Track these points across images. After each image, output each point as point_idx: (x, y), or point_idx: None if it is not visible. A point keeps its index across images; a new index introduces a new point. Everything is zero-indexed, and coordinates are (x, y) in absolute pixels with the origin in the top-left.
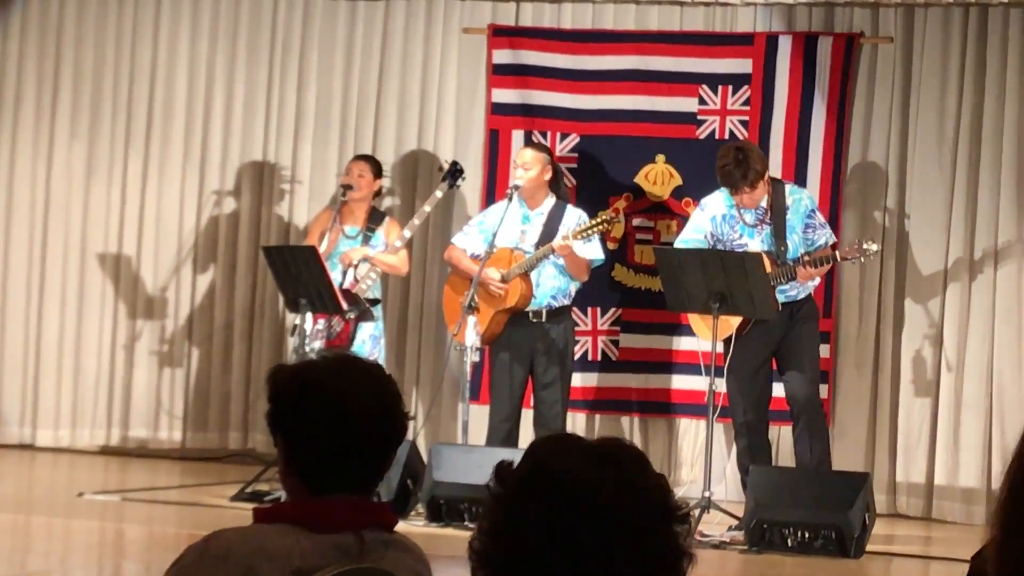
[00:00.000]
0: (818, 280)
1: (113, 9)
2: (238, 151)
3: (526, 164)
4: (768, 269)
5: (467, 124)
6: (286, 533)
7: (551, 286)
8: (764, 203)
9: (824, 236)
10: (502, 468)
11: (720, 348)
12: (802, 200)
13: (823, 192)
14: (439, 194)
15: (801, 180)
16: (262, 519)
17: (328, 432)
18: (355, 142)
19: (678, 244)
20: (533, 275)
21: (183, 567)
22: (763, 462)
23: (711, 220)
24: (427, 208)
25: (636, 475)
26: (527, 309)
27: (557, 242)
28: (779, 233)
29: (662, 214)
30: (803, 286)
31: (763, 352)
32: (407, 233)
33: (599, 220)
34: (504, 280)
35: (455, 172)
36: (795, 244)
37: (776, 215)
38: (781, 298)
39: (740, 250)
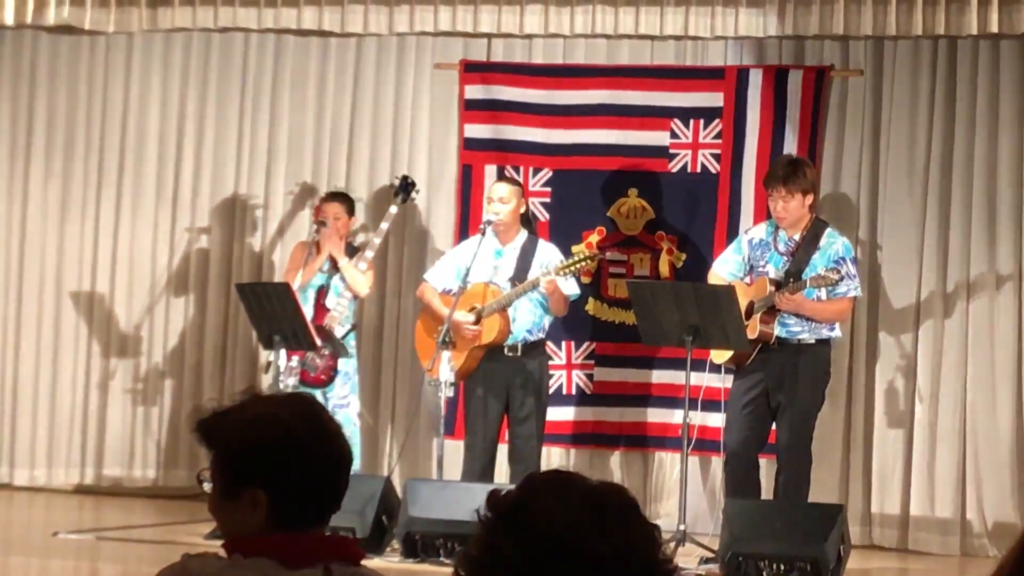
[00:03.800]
0: (836, 329)
1: (85, 49)
2: (210, 187)
3: (503, 198)
4: (765, 293)
5: (440, 159)
6: (259, 568)
7: (527, 320)
8: (798, 236)
9: (846, 286)
10: (493, 496)
11: (702, 381)
12: (834, 244)
13: None
14: (394, 210)
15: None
16: (239, 551)
17: (317, 476)
18: (328, 178)
19: (716, 264)
20: (509, 310)
21: None
22: (745, 497)
23: (748, 243)
24: (385, 226)
25: (620, 524)
26: (505, 343)
27: (546, 278)
28: (797, 266)
29: (635, 248)
30: (808, 325)
31: (755, 389)
32: (368, 254)
33: (583, 257)
34: (478, 318)
35: (407, 186)
36: (811, 288)
37: (803, 249)
38: (781, 331)
39: (759, 276)
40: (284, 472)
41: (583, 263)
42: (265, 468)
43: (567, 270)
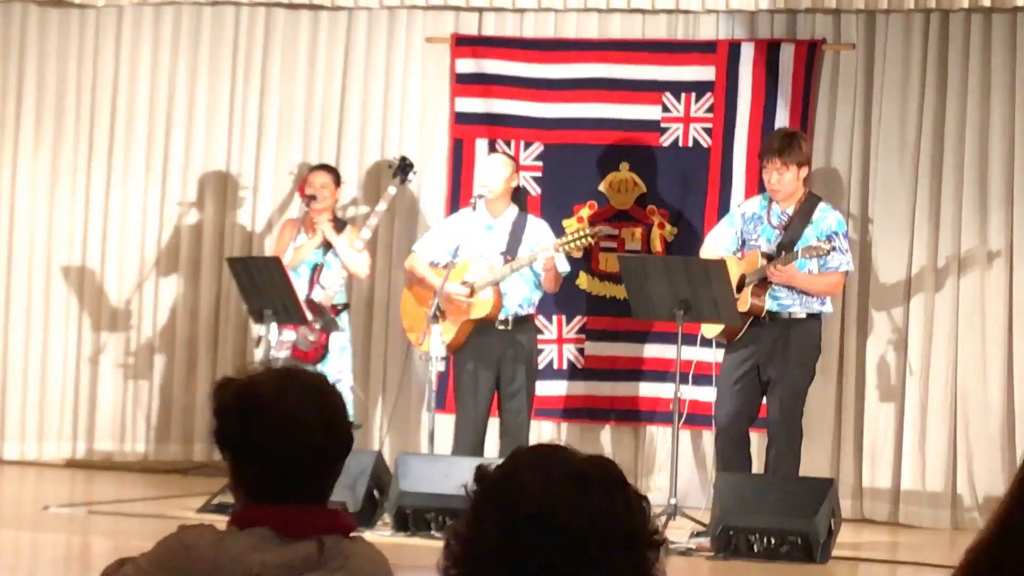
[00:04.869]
0: (827, 304)
1: (75, 21)
2: (200, 161)
3: (496, 171)
4: (757, 265)
5: (431, 133)
6: (254, 539)
7: (519, 295)
8: (791, 210)
9: (838, 260)
10: (479, 470)
11: (693, 355)
12: (827, 219)
13: None
14: (392, 191)
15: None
16: (236, 523)
17: (271, 450)
18: (318, 151)
19: (709, 239)
20: (502, 284)
21: (154, 548)
22: (736, 471)
23: (742, 216)
24: (382, 206)
25: (601, 499)
26: (495, 318)
27: (545, 254)
28: (789, 238)
29: (626, 222)
30: (799, 299)
31: (746, 363)
32: (366, 233)
33: (584, 234)
34: (473, 291)
35: (405, 167)
36: (803, 259)
37: (796, 223)
38: (772, 305)
39: (751, 249)
40: (244, 442)
41: (584, 239)
42: (228, 434)
43: (568, 245)
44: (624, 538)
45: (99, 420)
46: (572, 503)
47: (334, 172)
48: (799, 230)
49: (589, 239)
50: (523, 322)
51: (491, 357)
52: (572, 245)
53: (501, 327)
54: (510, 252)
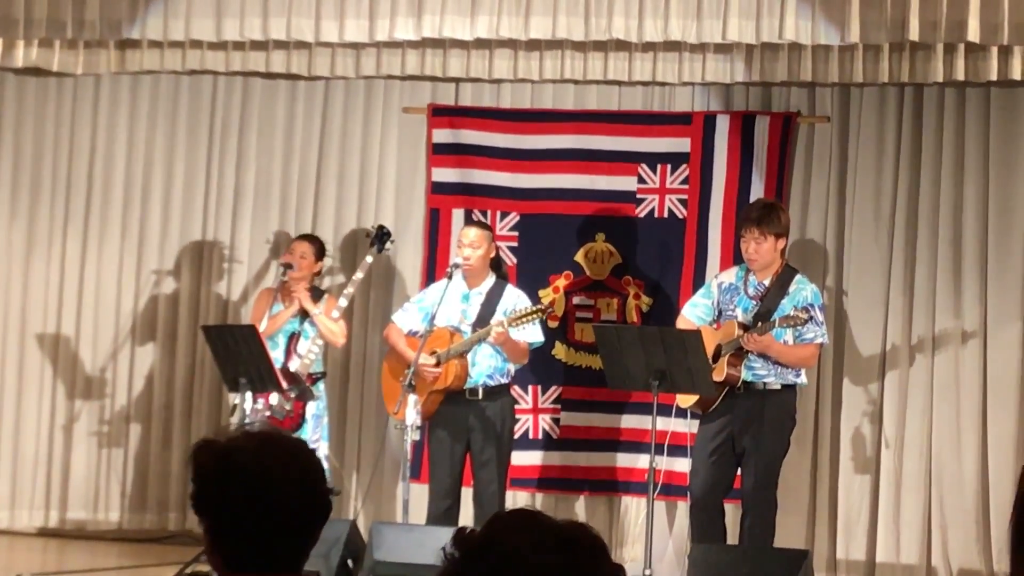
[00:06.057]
0: (803, 376)
1: (53, 89)
2: (177, 230)
3: (473, 243)
4: (733, 335)
5: (407, 203)
6: None
7: (487, 365)
8: (768, 281)
9: (813, 332)
10: (460, 535)
11: (668, 426)
12: (803, 291)
13: None
14: (369, 260)
15: (738, 258)
16: None
17: (249, 516)
18: (295, 221)
19: (685, 309)
20: (468, 354)
21: None
22: (710, 542)
23: (718, 287)
24: (359, 275)
25: (588, 563)
26: (463, 387)
27: (493, 331)
28: (766, 310)
29: (602, 292)
30: (774, 369)
31: (721, 434)
32: (342, 302)
33: (533, 309)
34: (438, 363)
35: (383, 236)
36: (779, 329)
37: (773, 294)
38: (748, 375)
39: (727, 319)
40: (221, 508)
41: (532, 316)
42: (206, 499)
43: (516, 322)
44: None
45: (72, 489)
46: (560, 566)
47: (317, 243)
48: (776, 301)
49: (537, 315)
50: (495, 393)
51: (461, 427)
52: (518, 321)
53: (471, 397)
54: (480, 322)
